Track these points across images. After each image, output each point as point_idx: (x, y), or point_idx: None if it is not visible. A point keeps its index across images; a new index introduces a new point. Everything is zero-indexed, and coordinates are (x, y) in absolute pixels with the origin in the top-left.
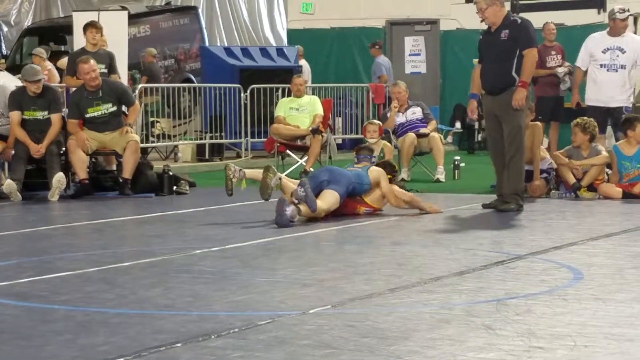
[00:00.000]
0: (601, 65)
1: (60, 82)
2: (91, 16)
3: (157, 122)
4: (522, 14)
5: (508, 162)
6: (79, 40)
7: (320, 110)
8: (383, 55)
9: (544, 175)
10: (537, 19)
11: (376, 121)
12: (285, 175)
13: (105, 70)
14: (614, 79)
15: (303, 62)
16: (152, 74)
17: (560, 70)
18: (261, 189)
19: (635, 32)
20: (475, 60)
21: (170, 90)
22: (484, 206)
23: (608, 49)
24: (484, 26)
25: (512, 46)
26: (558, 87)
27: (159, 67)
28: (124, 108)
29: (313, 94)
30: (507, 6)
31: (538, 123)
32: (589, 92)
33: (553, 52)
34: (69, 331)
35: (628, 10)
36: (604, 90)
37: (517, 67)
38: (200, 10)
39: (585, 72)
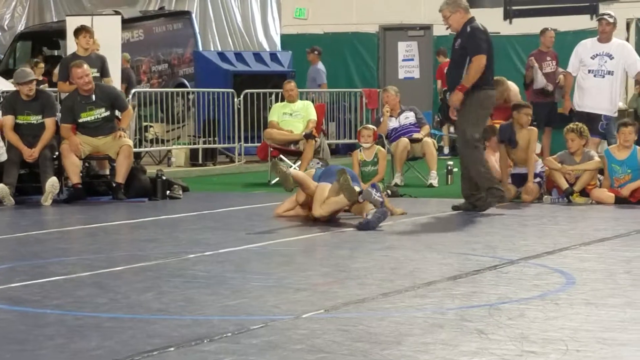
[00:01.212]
0: (589, 71)
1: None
2: (84, 21)
3: (151, 126)
4: (515, 20)
5: (465, 171)
6: (72, 44)
7: (313, 115)
8: (321, 62)
9: (537, 179)
10: (530, 25)
11: (370, 126)
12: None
13: (98, 74)
14: (600, 85)
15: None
16: (128, 79)
17: (546, 85)
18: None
19: (627, 38)
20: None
21: (163, 95)
22: (454, 208)
23: (597, 55)
24: None
25: (463, 55)
26: (552, 94)
27: (132, 71)
28: (117, 113)
29: (306, 99)
30: (500, 12)
31: (534, 128)
32: (576, 97)
33: (548, 58)
34: (62, 336)
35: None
36: (590, 96)
37: (466, 75)
38: (193, 15)
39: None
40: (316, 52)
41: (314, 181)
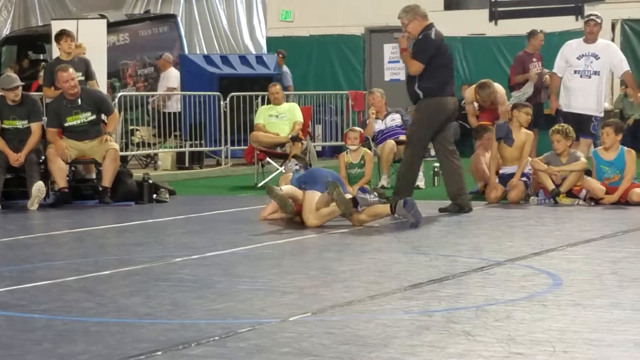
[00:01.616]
0: (575, 72)
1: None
2: (70, 25)
3: (137, 130)
4: (500, 21)
5: (402, 162)
6: (56, 49)
7: (299, 118)
8: (285, 65)
9: (524, 179)
10: (516, 26)
11: (357, 128)
12: (265, 182)
13: (82, 78)
14: (587, 86)
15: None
16: None
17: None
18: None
19: (612, 39)
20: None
21: (150, 99)
22: (441, 210)
23: (583, 56)
24: (464, 33)
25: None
26: (539, 94)
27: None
28: (103, 117)
29: (292, 101)
30: (486, 13)
31: (531, 132)
32: (562, 98)
33: (534, 60)
34: (49, 340)
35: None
36: (576, 96)
37: (419, 83)
38: (179, 19)
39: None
40: (280, 55)
41: (294, 185)
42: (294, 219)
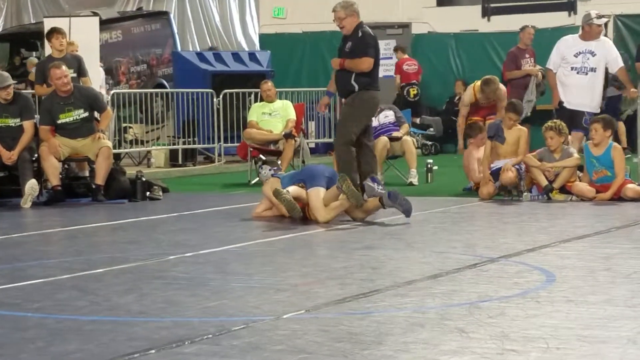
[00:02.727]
0: (572, 68)
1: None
2: (62, 22)
3: (130, 127)
4: (493, 17)
5: (336, 156)
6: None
7: (292, 115)
8: None
9: (516, 167)
10: (508, 22)
11: None
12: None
13: (75, 75)
14: (583, 83)
15: None
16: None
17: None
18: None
19: (605, 34)
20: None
21: (142, 96)
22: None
23: (580, 53)
24: (457, 29)
25: (352, 58)
26: (528, 89)
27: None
28: (96, 114)
29: (286, 98)
30: (478, 9)
31: (524, 128)
32: (560, 94)
33: (527, 56)
34: (42, 339)
35: (604, 17)
36: (573, 92)
37: (356, 77)
38: (172, 16)
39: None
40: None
41: (287, 184)
42: (293, 217)
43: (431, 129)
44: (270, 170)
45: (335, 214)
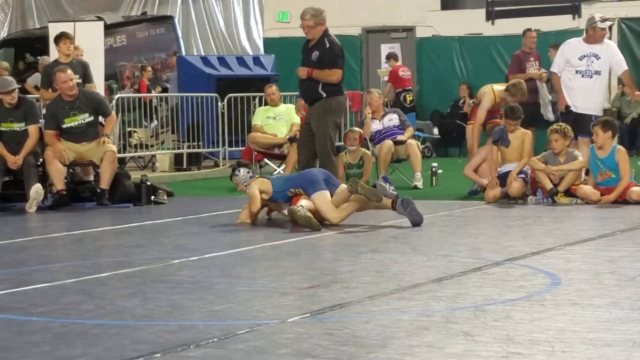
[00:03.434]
0: (577, 72)
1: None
2: (67, 27)
3: (135, 132)
4: (497, 21)
5: (322, 164)
6: (55, 51)
7: (297, 119)
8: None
9: (522, 175)
10: (513, 26)
11: (357, 129)
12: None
13: (80, 80)
14: (588, 86)
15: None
16: None
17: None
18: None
19: (609, 37)
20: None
21: (147, 100)
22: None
23: (584, 56)
24: (461, 33)
25: (320, 67)
26: (536, 94)
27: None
28: (100, 119)
29: (290, 102)
30: (482, 13)
31: (529, 131)
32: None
33: (532, 59)
34: (47, 343)
35: (608, 20)
36: (578, 96)
37: (323, 85)
38: (176, 20)
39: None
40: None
41: (279, 192)
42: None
43: (435, 132)
44: (248, 172)
45: (346, 214)
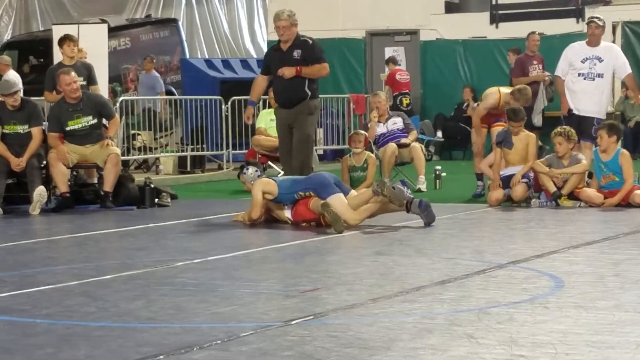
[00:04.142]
0: (579, 74)
1: None
2: (71, 29)
3: (138, 134)
4: (501, 24)
5: (300, 166)
6: (59, 53)
7: None
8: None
9: (525, 180)
10: (516, 29)
11: (362, 132)
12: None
13: (84, 83)
14: (591, 89)
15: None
16: None
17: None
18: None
19: (614, 41)
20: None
21: (151, 103)
22: None
23: (587, 59)
24: (465, 36)
25: (304, 65)
26: (538, 97)
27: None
28: (104, 121)
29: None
30: (486, 16)
31: (532, 133)
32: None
33: (535, 62)
34: (51, 345)
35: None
36: (580, 98)
37: (309, 84)
38: (180, 23)
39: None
40: (149, 59)
41: (287, 194)
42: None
43: (439, 135)
44: (256, 171)
45: (365, 216)
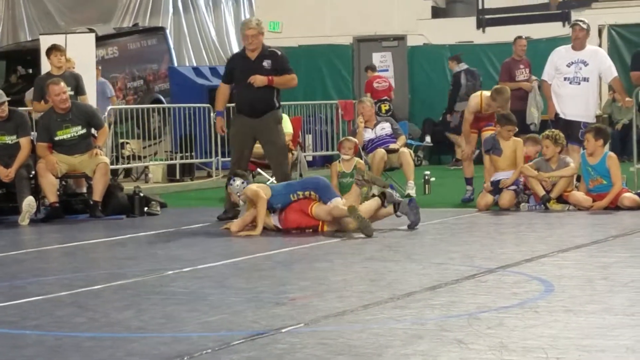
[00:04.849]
0: (565, 79)
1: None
2: (59, 39)
3: (127, 143)
4: (487, 29)
5: (285, 178)
6: (47, 63)
7: (289, 129)
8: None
9: (513, 187)
10: (503, 33)
11: (352, 138)
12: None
13: (72, 93)
14: (577, 92)
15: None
16: None
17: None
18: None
19: (600, 44)
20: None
21: (139, 112)
22: (220, 218)
23: (572, 63)
24: (452, 41)
25: (274, 74)
26: (525, 101)
27: None
28: (93, 131)
29: (282, 112)
30: (473, 21)
31: (519, 139)
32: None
33: (521, 66)
34: (41, 356)
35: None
36: (567, 102)
37: (277, 94)
38: (168, 31)
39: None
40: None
41: (280, 194)
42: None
43: (428, 140)
44: (243, 182)
45: (369, 215)
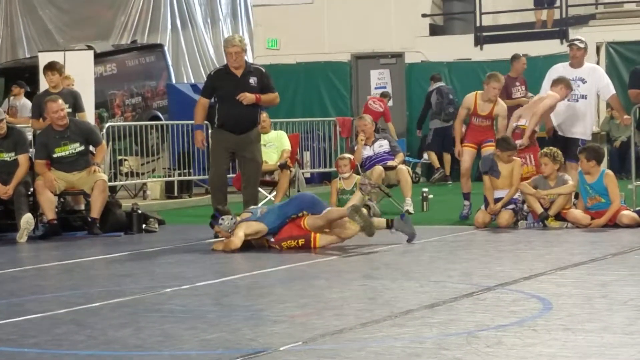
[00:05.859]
0: None
1: None
2: (57, 56)
3: (125, 160)
4: (485, 46)
5: (254, 198)
6: (45, 81)
7: (287, 145)
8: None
9: (512, 205)
10: (500, 50)
11: (347, 155)
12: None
13: (70, 110)
14: (575, 110)
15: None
16: None
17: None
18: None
19: (597, 62)
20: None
21: (137, 128)
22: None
23: (571, 80)
24: (450, 58)
25: (260, 92)
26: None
27: None
28: (91, 148)
29: (280, 128)
30: (471, 38)
31: (517, 159)
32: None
33: (517, 84)
34: None
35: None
36: (565, 120)
37: (260, 112)
38: (166, 48)
39: None
40: (19, 86)
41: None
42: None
43: (426, 157)
44: (232, 219)
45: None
